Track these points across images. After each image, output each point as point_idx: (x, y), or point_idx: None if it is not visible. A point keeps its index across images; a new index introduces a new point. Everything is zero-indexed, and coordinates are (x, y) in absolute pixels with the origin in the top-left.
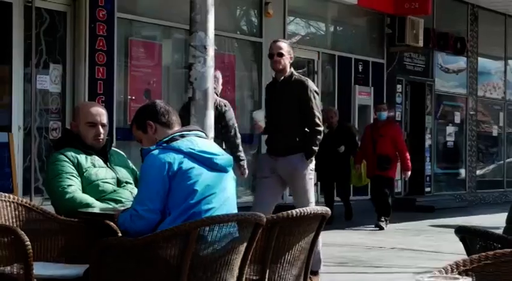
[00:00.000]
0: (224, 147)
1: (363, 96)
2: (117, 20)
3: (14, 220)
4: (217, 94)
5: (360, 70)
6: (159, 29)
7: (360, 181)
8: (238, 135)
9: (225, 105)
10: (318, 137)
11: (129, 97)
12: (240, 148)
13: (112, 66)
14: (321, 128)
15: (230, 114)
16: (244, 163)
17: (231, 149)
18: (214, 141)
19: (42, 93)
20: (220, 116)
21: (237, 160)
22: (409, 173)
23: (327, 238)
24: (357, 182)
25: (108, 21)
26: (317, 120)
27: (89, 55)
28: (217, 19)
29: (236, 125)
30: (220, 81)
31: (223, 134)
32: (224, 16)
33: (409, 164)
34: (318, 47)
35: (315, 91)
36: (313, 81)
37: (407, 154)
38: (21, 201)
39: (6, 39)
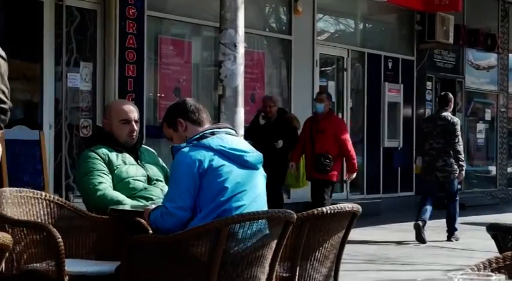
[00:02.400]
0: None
1: (392, 93)
2: (147, 18)
3: (46, 217)
4: (450, 112)
5: (390, 67)
6: (189, 27)
7: (297, 183)
8: (462, 143)
9: (457, 121)
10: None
11: (159, 95)
12: (462, 154)
13: (142, 64)
14: (4, 106)
15: (458, 128)
16: (464, 168)
17: (455, 153)
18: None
19: (73, 91)
20: (451, 128)
21: (457, 161)
22: (354, 175)
23: (355, 235)
24: (294, 184)
25: (138, 19)
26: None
27: (119, 53)
28: (247, 17)
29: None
30: (452, 99)
31: (450, 142)
32: (253, 14)
33: (356, 165)
34: (348, 44)
35: (1, 56)
36: (342, 78)
37: (353, 153)
38: (53, 198)
39: (37, 37)
